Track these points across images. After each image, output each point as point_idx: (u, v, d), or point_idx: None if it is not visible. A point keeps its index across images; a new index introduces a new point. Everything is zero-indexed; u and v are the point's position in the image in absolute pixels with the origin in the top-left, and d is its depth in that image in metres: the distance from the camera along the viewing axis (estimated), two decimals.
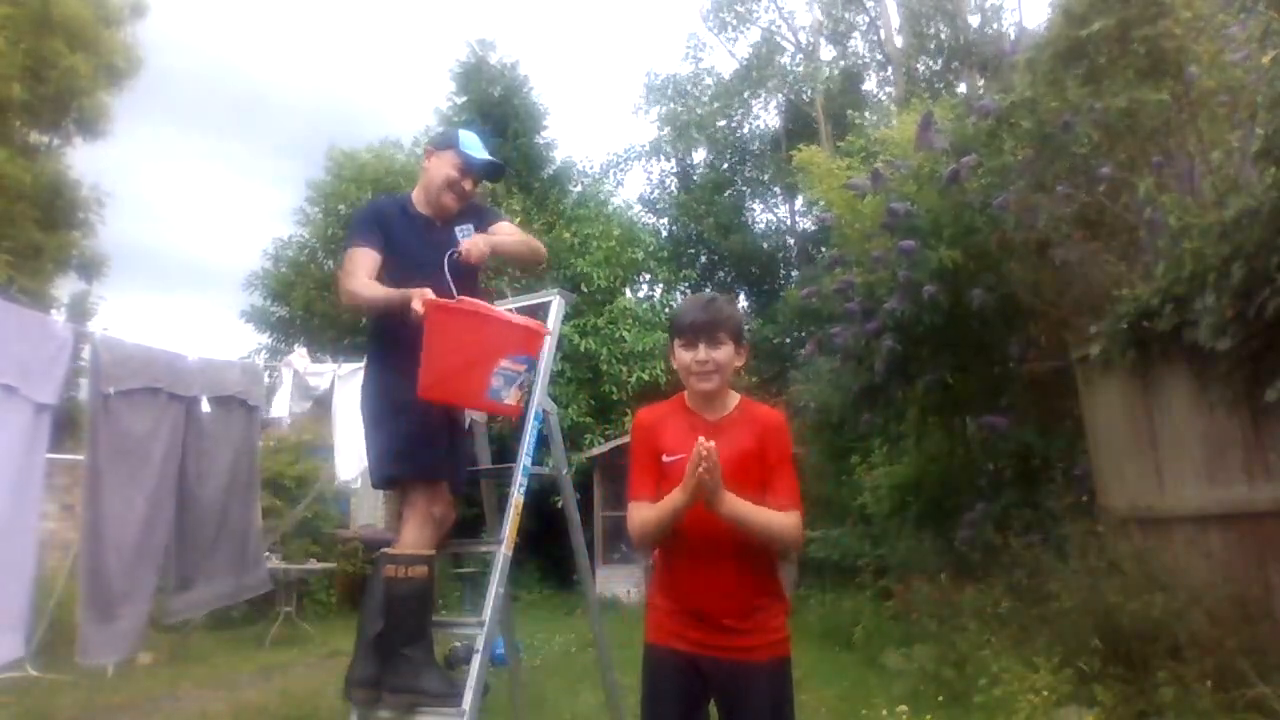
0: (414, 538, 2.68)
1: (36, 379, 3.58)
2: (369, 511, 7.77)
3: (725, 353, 2.01)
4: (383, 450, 2.77)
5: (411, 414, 2.71)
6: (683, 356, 2.03)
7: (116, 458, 4.02)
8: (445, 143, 3.00)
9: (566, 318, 3.38)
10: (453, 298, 2.90)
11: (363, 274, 2.77)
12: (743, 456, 1.97)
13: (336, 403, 6.40)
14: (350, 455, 6.72)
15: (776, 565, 2.12)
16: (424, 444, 2.73)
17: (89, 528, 3.87)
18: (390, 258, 2.83)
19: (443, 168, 2.92)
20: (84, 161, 11.45)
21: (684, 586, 2.02)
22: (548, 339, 3.10)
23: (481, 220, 3.07)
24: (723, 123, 20.58)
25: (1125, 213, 4.66)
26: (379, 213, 2.98)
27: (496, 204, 13.33)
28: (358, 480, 6.82)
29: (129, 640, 4.13)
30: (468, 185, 2.97)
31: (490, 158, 3.06)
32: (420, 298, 2.56)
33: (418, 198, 2.98)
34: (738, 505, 1.88)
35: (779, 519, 1.95)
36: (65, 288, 11.56)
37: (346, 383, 6.46)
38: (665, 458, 2.01)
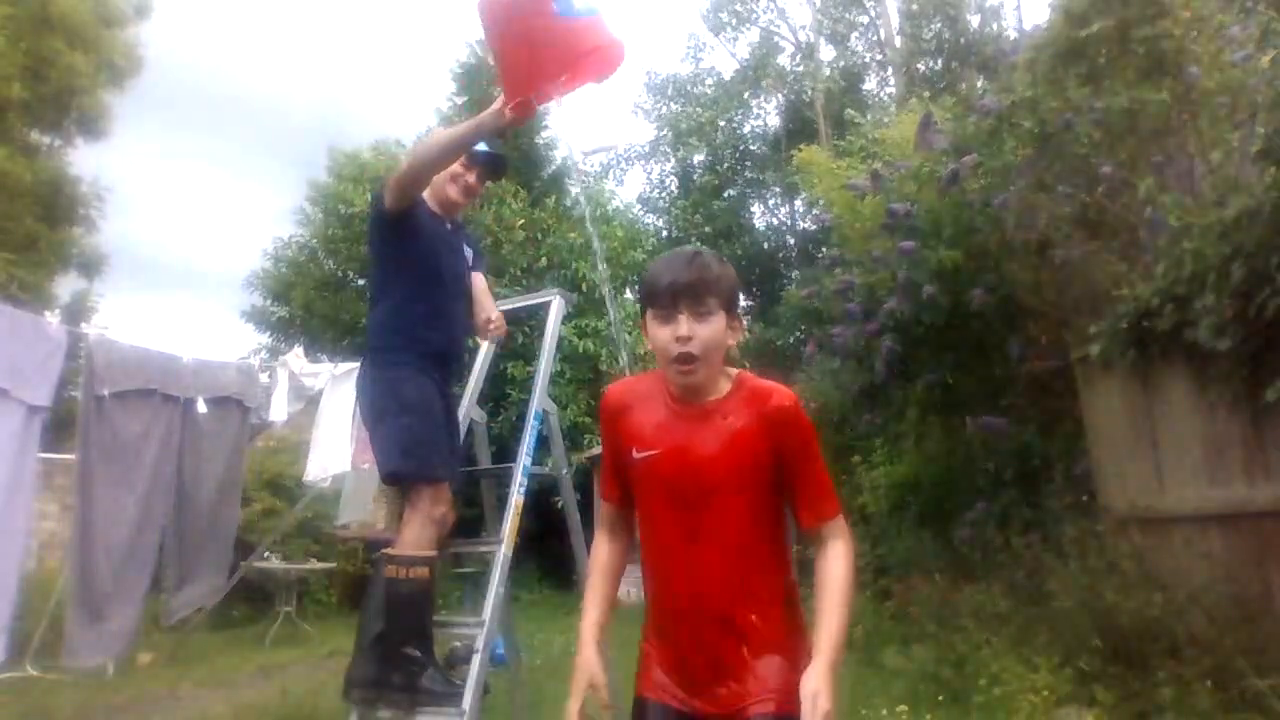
0: (415, 538, 2.67)
1: (29, 381, 3.59)
2: (357, 509, 7.72)
3: (714, 327, 1.49)
4: (389, 446, 2.75)
5: (418, 413, 2.71)
6: (658, 334, 1.51)
7: (108, 459, 4.04)
8: None
9: (566, 319, 3.39)
10: (464, 298, 2.98)
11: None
12: (741, 453, 1.52)
13: (324, 404, 6.40)
14: (325, 456, 6.69)
15: (793, 598, 1.64)
16: (430, 444, 2.73)
17: (79, 529, 3.88)
18: (418, 244, 2.82)
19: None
20: (84, 161, 11.46)
21: (672, 640, 1.61)
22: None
23: (474, 247, 3.15)
24: (723, 123, 20.59)
25: (1125, 213, 4.66)
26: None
27: (501, 202, 13.35)
28: (327, 480, 6.79)
29: (118, 641, 4.15)
30: (472, 178, 2.94)
31: (492, 150, 3.01)
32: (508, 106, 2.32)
33: (428, 195, 2.96)
34: (831, 661, 1.41)
35: (846, 586, 1.51)
36: (65, 286, 11.59)
37: (341, 383, 6.46)
38: (636, 453, 1.59)
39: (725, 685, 1.53)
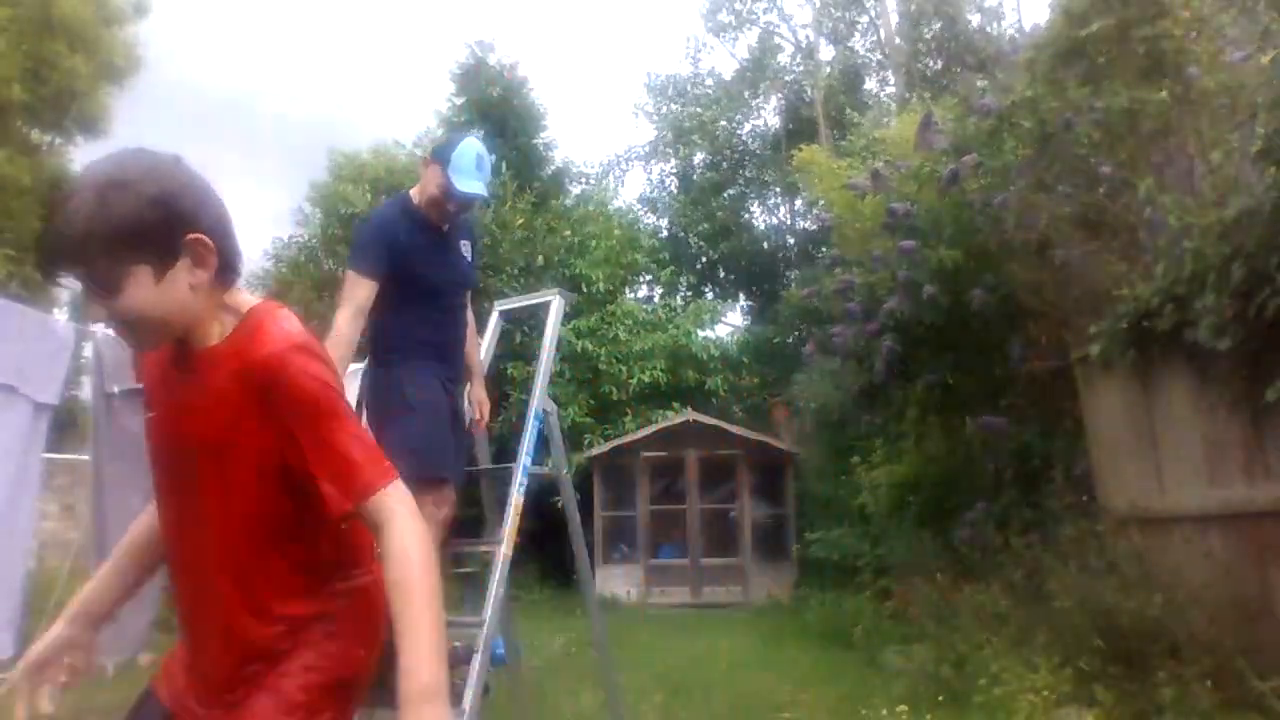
0: None
1: (36, 378, 3.59)
2: None
3: (130, 294, 1.11)
4: (396, 446, 2.73)
5: (425, 413, 2.71)
6: None
7: (120, 457, 4.03)
8: (441, 156, 2.87)
9: (567, 318, 3.40)
10: (463, 299, 3.02)
11: (358, 311, 2.68)
12: (218, 413, 1.18)
13: None
14: None
15: (328, 608, 1.25)
16: (437, 443, 2.73)
17: (95, 528, 3.88)
18: (400, 265, 2.76)
19: (430, 183, 2.85)
20: (84, 159, 11.45)
21: (184, 639, 1.32)
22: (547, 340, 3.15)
23: (475, 245, 3.15)
24: (723, 123, 20.60)
25: (1125, 213, 4.66)
26: (386, 229, 2.82)
27: (501, 202, 13.34)
28: None
29: (131, 642, 4.14)
30: (451, 208, 2.87)
31: (471, 189, 2.82)
32: None
33: (418, 198, 2.93)
34: (422, 691, 1.04)
35: (419, 580, 1.10)
36: (66, 285, 11.58)
37: (349, 384, 6.50)
38: (146, 413, 1.29)
39: (220, 705, 1.22)
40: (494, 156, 3.08)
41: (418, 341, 2.80)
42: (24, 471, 3.57)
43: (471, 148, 2.85)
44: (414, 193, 2.95)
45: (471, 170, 2.82)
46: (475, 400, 3.17)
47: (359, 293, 2.71)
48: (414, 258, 2.80)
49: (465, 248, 3.06)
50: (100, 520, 3.92)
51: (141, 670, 6.18)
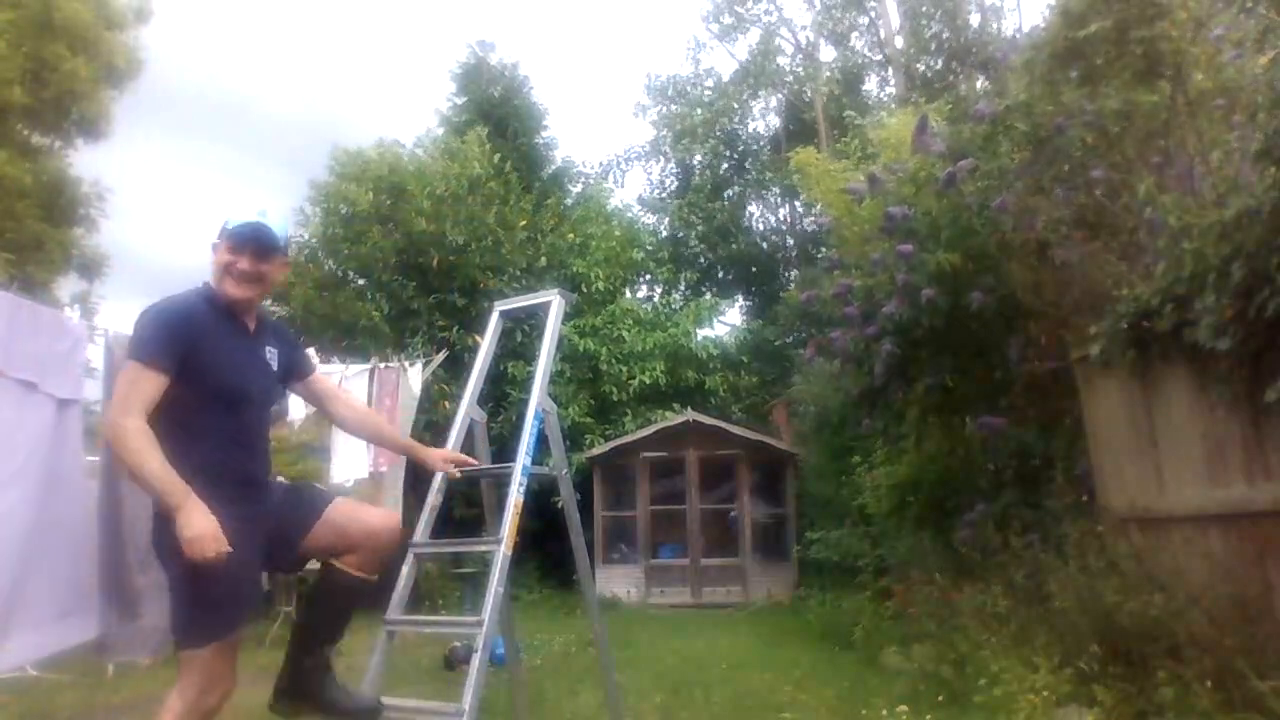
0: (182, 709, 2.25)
1: (54, 375, 3.61)
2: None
3: None
4: (173, 606, 2.35)
5: (203, 571, 2.16)
6: None
7: None
8: (217, 235, 2.46)
9: (567, 318, 3.40)
10: (270, 414, 2.62)
11: (140, 407, 2.18)
12: None
13: None
14: (348, 457, 6.93)
15: None
16: (220, 602, 2.29)
17: (106, 526, 3.90)
18: (197, 364, 2.29)
19: (218, 259, 2.43)
20: (85, 162, 11.47)
21: None
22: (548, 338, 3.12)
23: (289, 346, 2.73)
24: (722, 123, 20.61)
25: (1125, 213, 4.67)
26: (189, 322, 2.34)
27: (504, 202, 13.32)
28: (350, 482, 7.00)
29: (156, 639, 4.17)
30: (245, 264, 2.41)
31: (245, 218, 2.42)
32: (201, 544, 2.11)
33: (215, 285, 2.46)
34: None
35: None
36: (66, 287, 11.60)
37: (350, 383, 6.62)
38: None
39: None
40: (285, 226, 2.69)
41: (214, 470, 2.27)
42: (59, 465, 3.58)
43: (247, 214, 2.47)
44: (212, 282, 2.46)
45: (247, 215, 2.45)
46: (431, 462, 2.95)
47: (143, 388, 2.20)
48: (217, 355, 2.35)
49: (273, 356, 2.58)
50: (114, 518, 3.93)
51: (141, 670, 6.19)
